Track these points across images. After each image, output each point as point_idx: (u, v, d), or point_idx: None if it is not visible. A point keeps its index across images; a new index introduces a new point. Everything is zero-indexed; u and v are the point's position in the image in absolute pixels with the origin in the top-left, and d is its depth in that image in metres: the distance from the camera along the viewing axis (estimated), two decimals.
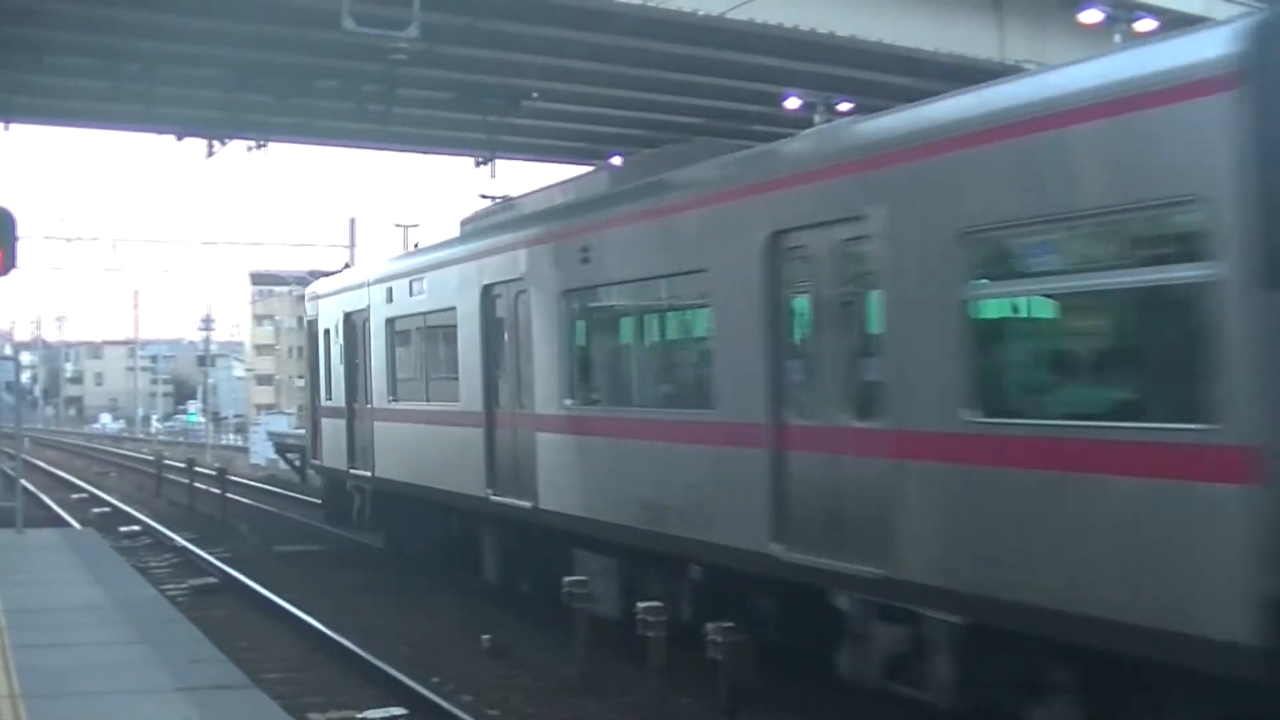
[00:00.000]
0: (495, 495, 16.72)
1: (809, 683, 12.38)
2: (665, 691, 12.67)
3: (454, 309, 18.21)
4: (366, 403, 21.89)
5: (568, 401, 14.99)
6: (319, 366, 24.98)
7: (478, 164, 36.56)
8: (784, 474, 11.18)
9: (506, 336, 16.56)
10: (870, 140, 10.59)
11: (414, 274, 19.90)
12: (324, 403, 24.58)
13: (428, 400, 19.55)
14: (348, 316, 22.94)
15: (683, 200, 13.03)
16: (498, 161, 36.20)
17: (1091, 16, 26.50)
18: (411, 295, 19.93)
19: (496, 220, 18.19)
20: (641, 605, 13.01)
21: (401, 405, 20.45)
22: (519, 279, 16.13)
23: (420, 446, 19.62)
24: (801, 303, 11.20)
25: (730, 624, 11.94)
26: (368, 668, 14.59)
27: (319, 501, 27.36)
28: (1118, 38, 24.82)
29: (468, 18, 24.83)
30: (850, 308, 10.63)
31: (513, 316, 16.35)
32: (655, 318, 14.48)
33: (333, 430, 23.95)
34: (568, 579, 14.35)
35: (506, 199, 18.50)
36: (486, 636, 15.77)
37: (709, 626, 12.02)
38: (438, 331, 19.35)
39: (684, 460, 12.72)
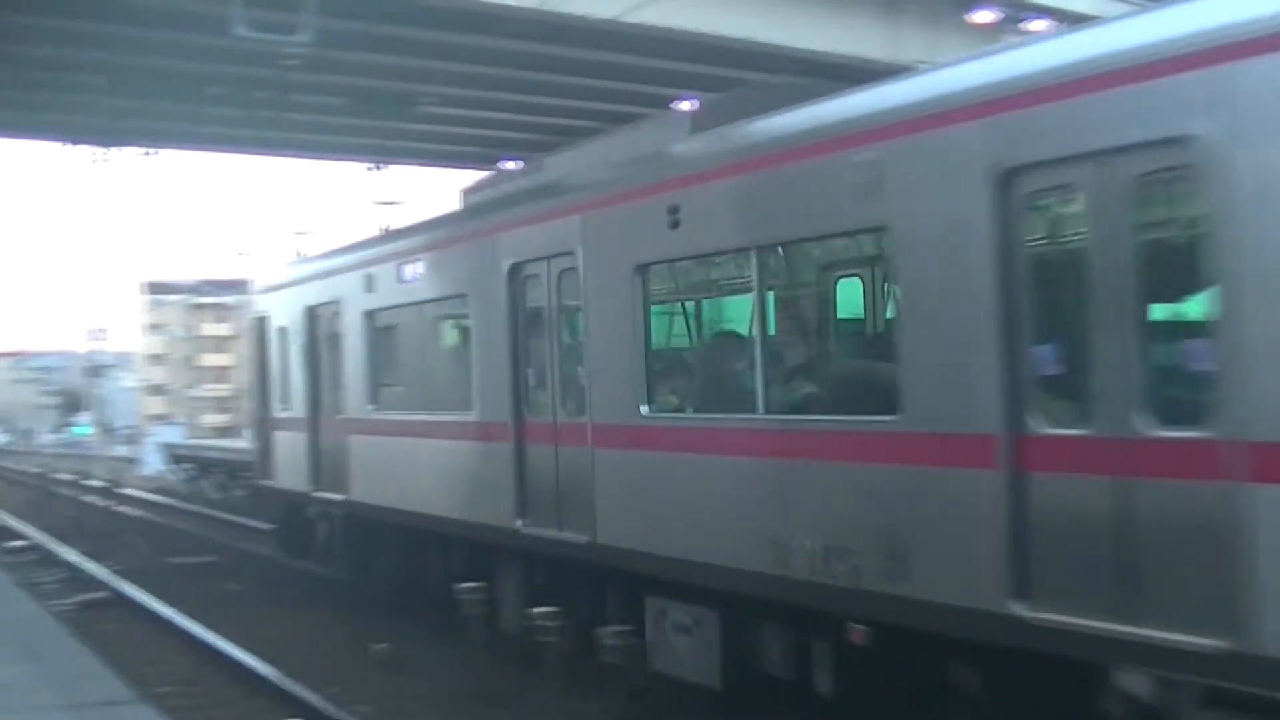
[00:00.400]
0: (527, 527, 13.53)
1: (707, 687, 12.35)
2: (564, 697, 12.61)
3: (464, 296, 15.00)
4: (337, 413, 18.38)
5: (644, 409, 11.81)
6: (270, 371, 21.20)
7: (371, 169, 36.50)
8: (1028, 504, 8.14)
9: (545, 327, 13.43)
10: (1206, 28, 7.19)
11: (403, 256, 16.54)
12: (278, 413, 20.88)
13: (425, 409, 16.29)
14: (311, 310, 19.34)
15: (838, 136, 9.67)
16: (392, 167, 36.23)
17: (984, 16, 27.00)
18: (401, 281, 16.52)
19: (527, 184, 14.65)
20: (536, 610, 12.68)
21: (388, 415, 17.05)
22: (566, 254, 12.84)
23: (415, 465, 16.18)
24: (1057, 268, 8.31)
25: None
26: (262, 680, 14.37)
27: (273, 528, 22.49)
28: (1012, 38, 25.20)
29: (360, 22, 24.66)
30: (1149, 271, 7.62)
31: (554, 302, 13.21)
32: (791, 295, 11.33)
33: (290, 445, 20.25)
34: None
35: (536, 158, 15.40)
36: (382, 645, 15.60)
37: (601, 630, 11.79)
38: (439, 324, 16.51)
39: (845, 483, 9.63)
